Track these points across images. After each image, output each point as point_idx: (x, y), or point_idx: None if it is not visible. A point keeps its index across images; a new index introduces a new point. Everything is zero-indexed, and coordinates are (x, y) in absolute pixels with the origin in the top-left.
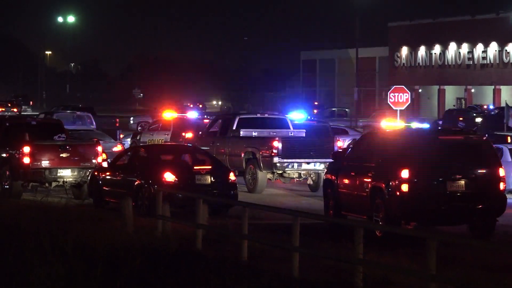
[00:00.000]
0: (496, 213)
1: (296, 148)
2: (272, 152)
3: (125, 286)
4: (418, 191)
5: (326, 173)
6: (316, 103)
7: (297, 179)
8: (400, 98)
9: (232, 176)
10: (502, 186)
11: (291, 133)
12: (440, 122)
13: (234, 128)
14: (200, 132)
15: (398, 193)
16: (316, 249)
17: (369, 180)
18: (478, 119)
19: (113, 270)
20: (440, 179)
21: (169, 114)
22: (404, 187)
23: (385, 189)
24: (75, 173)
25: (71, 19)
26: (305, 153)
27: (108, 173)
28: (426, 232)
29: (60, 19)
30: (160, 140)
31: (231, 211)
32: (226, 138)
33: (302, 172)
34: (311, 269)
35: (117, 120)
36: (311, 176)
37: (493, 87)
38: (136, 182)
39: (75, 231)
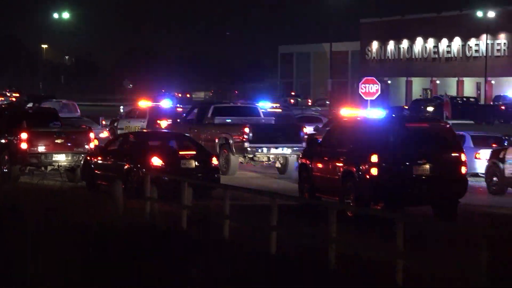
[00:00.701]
0: (458, 195)
1: (265, 134)
2: (244, 137)
3: (115, 263)
4: (386, 175)
5: (301, 157)
6: (292, 93)
7: (266, 162)
8: (370, 89)
9: (214, 161)
10: (463, 170)
11: (261, 120)
12: (388, 111)
13: (209, 115)
14: (179, 120)
15: (368, 177)
16: (292, 229)
17: (341, 164)
18: (430, 108)
19: (105, 248)
20: (407, 163)
21: (144, 103)
22: (374, 171)
23: (356, 173)
24: (69, 158)
25: (66, 15)
26: (274, 139)
27: (99, 158)
28: (394, 213)
29: (55, 15)
30: (137, 127)
31: (213, 193)
32: (202, 125)
33: (271, 156)
34: (288, 247)
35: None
36: (279, 159)
37: (456, 78)
38: (126, 166)
39: (69, 212)
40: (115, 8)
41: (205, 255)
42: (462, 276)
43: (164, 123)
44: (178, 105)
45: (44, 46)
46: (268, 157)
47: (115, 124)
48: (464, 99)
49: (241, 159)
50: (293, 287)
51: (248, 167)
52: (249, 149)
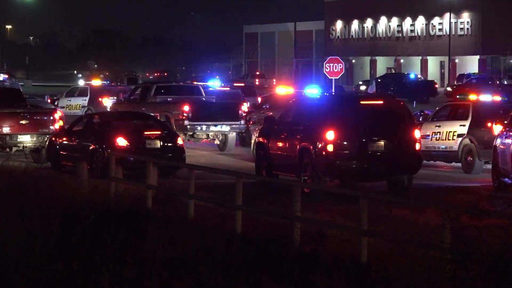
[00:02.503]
0: (412, 171)
1: (204, 112)
2: (183, 115)
3: (80, 241)
4: (342, 151)
5: (258, 136)
6: (257, 72)
7: (206, 139)
8: (335, 68)
9: (180, 141)
10: (418, 146)
11: (202, 99)
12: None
13: (152, 94)
14: (123, 99)
15: (324, 153)
16: (257, 207)
17: (298, 141)
18: (363, 87)
19: (69, 227)
20: (362, 140)
21: (84, 82)
22: (330, 148)
23: (312, 150)
24: (34, 139)
25: None
26: (213, 117)
27: (64, 139)
28: (358, 191)
29: None
30: (78, 105)
31: (178, 173)
32: (145, 104)
33: (210, 133)
34: (252, 225)
35: None
36: (218, 137)
37: (420, 57)
38: (91, 147)
39: (34, 192)
40: None
41: (169, 234)
42: (425, 252)
43: (106, 100)
44: (118, 84)
45: (8, 27)
46: (207, 135)
47: (56, 103)
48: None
49: (182, 136)
50: (259, 265)
51: (189, 144)
52: (188, 127)
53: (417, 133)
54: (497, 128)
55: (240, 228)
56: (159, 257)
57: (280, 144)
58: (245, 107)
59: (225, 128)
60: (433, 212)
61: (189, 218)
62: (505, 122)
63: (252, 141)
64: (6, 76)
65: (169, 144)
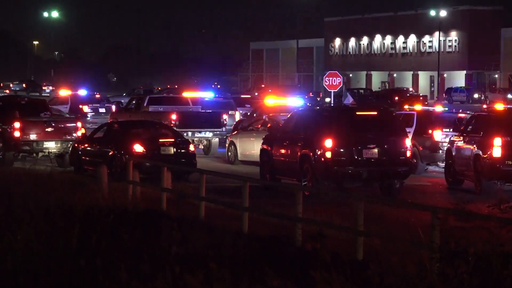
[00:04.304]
0: (403, 176)
1: (190, 120)
2: (171, 123)
3: (99, 239)
4: (339, 158)
5: (263, 144)
6: (263, 85)
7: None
8: (333, 81)
9: (191, 148)
10: (408, 153)
11: (189, 108)
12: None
13: (145, 105)
14: (121, 108)
15: (322, 159)
16: (262, 209)
17: (299, 149)
18: (327, 99)
19: (90, 226)
20: (358, 147)
21: (64, 92)
22: (328, 154)
23: (312, 156)
24: (59, 145)
25: (55, 14)
26: (198, 124)
27: (86, 145)
28: (354, 194)
29: (45, 14)
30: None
31: (190, 177)
32: (139, 113)
33: (195, 139)
34: (257, 225)
35: None
36: (202, 142)
37: (412, 72)
38: (110, 153)
39: (58, 194)
40: (100, 7)
41: (182, 233)
42: (416, 250)
43: (85, 108)
44: (95, 92)
45: (36, 43)
46: (193, 140)
47: None
48: (361, 90)
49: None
50: (263, 262)
51: None
52: None
53: (407, 142)
54: (437, 134)
55: (247, 228)
56: (172, 254)
57: (283, 151)
58: (237, 115)
59: (209, 134)
60: (422, 213)
61: (200, 218)
62: (462, 129)
63: (227, 145)
64: (52, 88)
65: (182, 151)
